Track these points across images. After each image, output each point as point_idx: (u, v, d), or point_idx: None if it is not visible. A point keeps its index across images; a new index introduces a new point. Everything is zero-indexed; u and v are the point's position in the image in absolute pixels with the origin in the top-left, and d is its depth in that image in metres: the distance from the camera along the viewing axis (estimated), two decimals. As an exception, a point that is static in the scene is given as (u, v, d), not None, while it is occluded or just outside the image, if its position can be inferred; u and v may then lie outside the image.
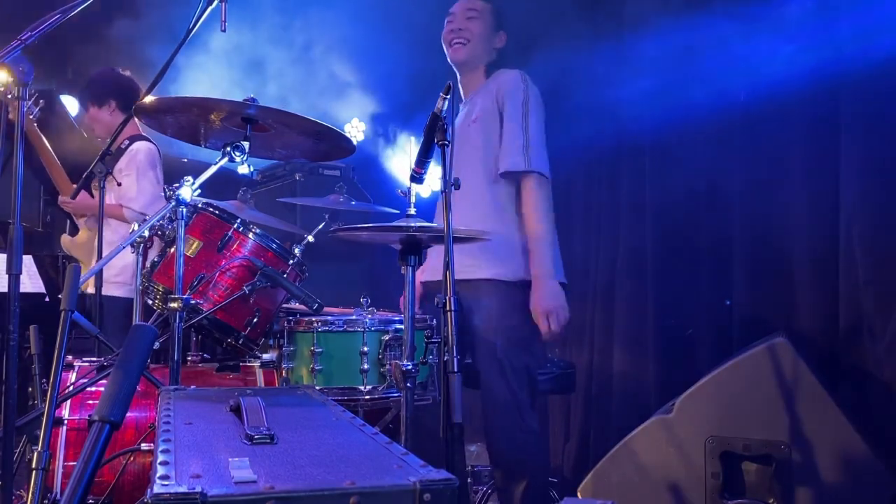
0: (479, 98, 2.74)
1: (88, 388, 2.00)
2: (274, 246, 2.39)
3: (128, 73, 3.58)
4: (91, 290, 3.14)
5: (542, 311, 2.47)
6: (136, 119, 3.33)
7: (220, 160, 1.97)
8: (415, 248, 2.01)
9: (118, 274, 3.37)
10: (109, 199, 3.40)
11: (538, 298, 2.48)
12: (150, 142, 3.49)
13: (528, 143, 2.56)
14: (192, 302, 2.19)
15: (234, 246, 2.34)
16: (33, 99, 3.37)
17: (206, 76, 3.98)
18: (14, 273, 1.67)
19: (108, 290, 3.27)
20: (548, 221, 2.57)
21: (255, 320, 2.34)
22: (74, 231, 3.66)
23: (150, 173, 3.39)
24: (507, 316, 2.54)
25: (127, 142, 3.46)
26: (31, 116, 3.34)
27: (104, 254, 2.94)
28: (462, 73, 2.85)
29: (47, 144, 3.43)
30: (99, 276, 2.95)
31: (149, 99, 2.00)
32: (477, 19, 2.76)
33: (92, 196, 3.36)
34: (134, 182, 3.36)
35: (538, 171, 2.56)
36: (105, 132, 3.47)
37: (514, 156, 2.55)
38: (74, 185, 3.09)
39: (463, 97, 2.87)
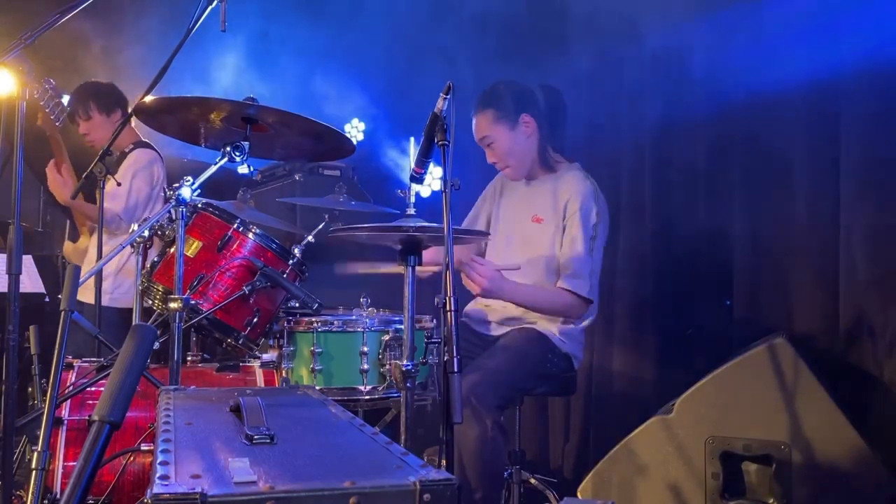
0: (541, 196, 2.69)
1: (88, 388, 2.00)
2: (274, 246, 2.39)
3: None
4: (86, 299, 3.10)
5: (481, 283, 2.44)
6: (133, 125, 3.34)
7: (220, 160, 1.97)
8: (414, 248, 2.01)
9: (113, 287, 3.31)
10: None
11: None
12: (152, 148, 3.48)
13: (594, 270, 2.59)
14: (192, 302, 2.19)
15: (234, 246, 2.34)
16: (61, 107, 3.30)
17: (205, 76, 3.98)
18: (14, 273, 1.67)
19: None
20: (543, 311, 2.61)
21: (255, 320, 2.34)
22: (75, 236, 3.65)
23: (141, 176, 3.36)
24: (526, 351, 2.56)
25: (131, 146, 3.47)
26: (57, 124, 3.30)
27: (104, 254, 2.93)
28: None
29: (66, 155, 3.36)
30: (98, 278, 2.92)
31: (148, 98, 2.00)
32: (495, 142, 2.64)
33: (94, 202, 3.34)
34: (124, 184, 3.31)
35: (593, 300, 2.61)
36: (105, 140, 3.44)
37: (582, 280, 2.56)
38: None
39: (514, 178, 2.80)
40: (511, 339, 2.59)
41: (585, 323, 2.69)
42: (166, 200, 1.97)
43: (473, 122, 2.69)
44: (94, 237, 3.41)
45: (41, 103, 3.21)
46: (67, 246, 3.62)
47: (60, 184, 3.30)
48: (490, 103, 2.64)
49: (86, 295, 3.14)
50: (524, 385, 2.54)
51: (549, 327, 2.61)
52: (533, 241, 2.66)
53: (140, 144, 3.49)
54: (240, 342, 2.35)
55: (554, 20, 3.62)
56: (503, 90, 2.66)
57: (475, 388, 2.28)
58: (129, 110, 3.47)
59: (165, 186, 3.39)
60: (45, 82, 3.25)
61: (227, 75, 4.04)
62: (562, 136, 2.76)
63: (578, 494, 2.49)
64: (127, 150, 3.46)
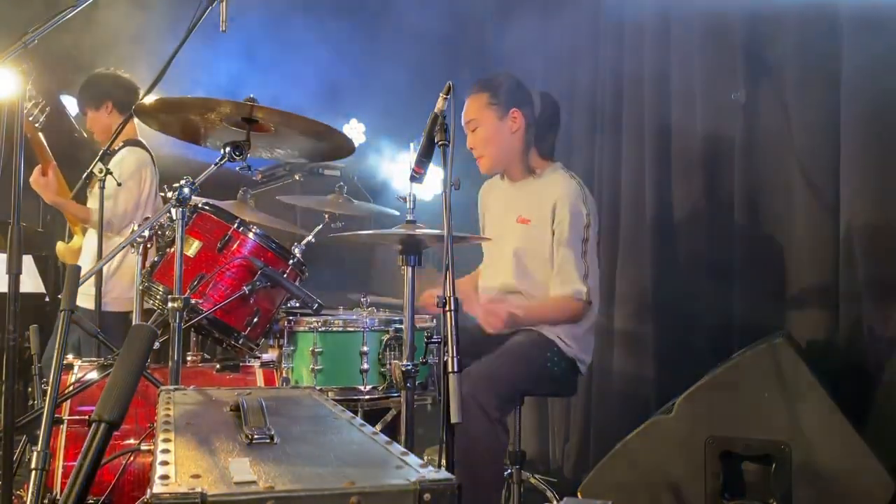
0: (525, 197, 2.67)
1: (88, 388, 2.00)
2: (274, 246, 2.39)
3: (123, 73, 3.46)
4: (83, 303, 3.06)
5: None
6: (134, 122, 3.28)
7: (220, 160, 1.98)
8: (414, 248, 2.01)
9: (105, 291, 3.19)
10: (92, 203, 3.26)
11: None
12: (144, 148, 3.39)
13: (589, 273, 2.55)
14: (192, 302, 2.19)
15: (234, 246, 2.34)
16: (40, 107, 3.19)
17: (206, 75, 3.98)
18: (14, 273, 1.67)
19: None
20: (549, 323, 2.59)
21: (255, 320, 2.34)
22: (68, 236, 3.60)
23: (131, 182, 3.27)
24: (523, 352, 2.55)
25: (122, 144, 3.35)
26: (36, 125, 3.19)
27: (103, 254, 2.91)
28: None
29: (51, 156, 3.27)
30: (98, 281, 2.91)
31: (149, 100, 2.00)
32: (480, 126, 2.63)
33: (82, 202, 3.30)
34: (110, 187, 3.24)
35: (591, 301, 2.55)
36: (104, 135, 3.36)
37: (576, 285, 2.51)
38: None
39: (503, 179, 2.80)
40: (515, 342, 2.59)
41: (586, 325, 2.68)
42: (165, 200, 1.97)
43: (465, 102, 2.69)
44: (87, 237, 3.39)
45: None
46: (60, 246, 3.54)
47: (43, 185, 3.21)
48: (486, 87, 2.65)
49: (82, 299, 3.07)
50: (524, 385, 2.54)
51: (554, 331, 2.60)
52: (520, 242, 2.65)
53: (132, 143, 3.38)
54: (240, 342, 2.35)
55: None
56: (502, 80, 2.67)
57: (477, 384, 2.29)
58: (119, 100, 3.43)
59: (166, 187, 3.35)
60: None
61: (227, 74, 4.04)
62: (552, 143, 2.74)
63: (578, 494, 2.49)
64: (117, 149, 3.32)
